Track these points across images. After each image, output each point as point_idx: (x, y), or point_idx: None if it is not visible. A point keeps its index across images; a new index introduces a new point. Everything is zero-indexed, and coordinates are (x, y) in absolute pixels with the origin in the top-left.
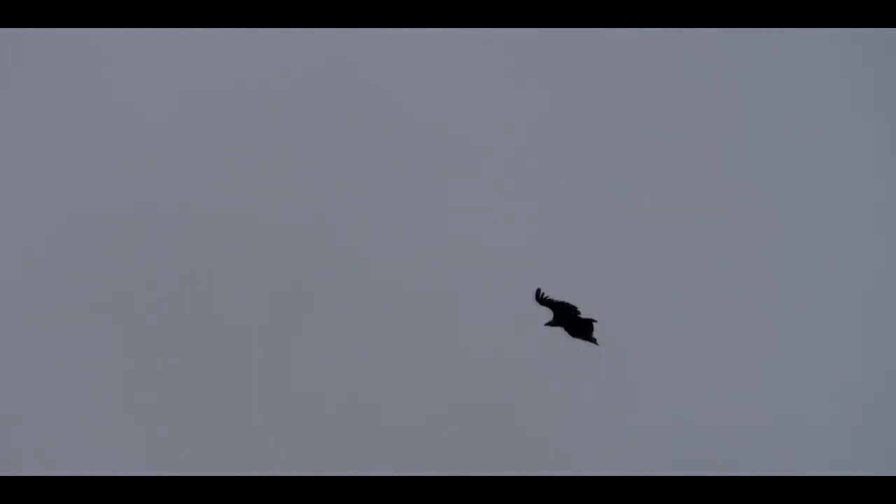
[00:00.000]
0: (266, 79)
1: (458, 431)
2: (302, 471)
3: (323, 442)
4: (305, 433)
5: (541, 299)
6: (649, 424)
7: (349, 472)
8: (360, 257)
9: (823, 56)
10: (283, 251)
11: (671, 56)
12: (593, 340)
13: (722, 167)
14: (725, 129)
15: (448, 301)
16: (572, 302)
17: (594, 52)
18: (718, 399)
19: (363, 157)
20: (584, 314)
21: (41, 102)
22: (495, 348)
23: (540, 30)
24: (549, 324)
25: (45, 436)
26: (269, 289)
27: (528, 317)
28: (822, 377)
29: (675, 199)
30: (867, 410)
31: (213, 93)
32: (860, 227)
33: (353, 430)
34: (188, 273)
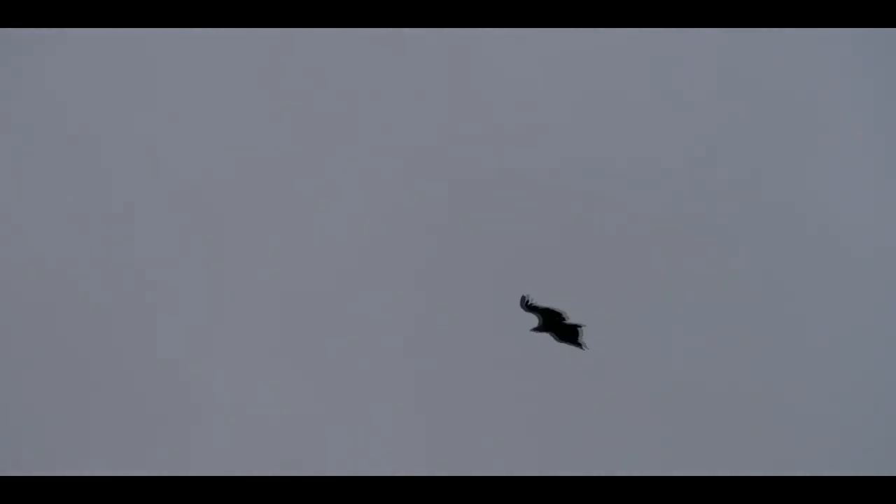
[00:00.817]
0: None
1: None
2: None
3: None
4: None
5: (527, 306)
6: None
7: None
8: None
9: None
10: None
11: None
12: (580, 345)
13: None
14: None
15: None
16: (558, 308)
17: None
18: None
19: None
20: (569, 320)
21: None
22: None
23: None
24: (536, 329)
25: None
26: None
27: (518, 322)
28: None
29: None
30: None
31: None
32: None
33: None
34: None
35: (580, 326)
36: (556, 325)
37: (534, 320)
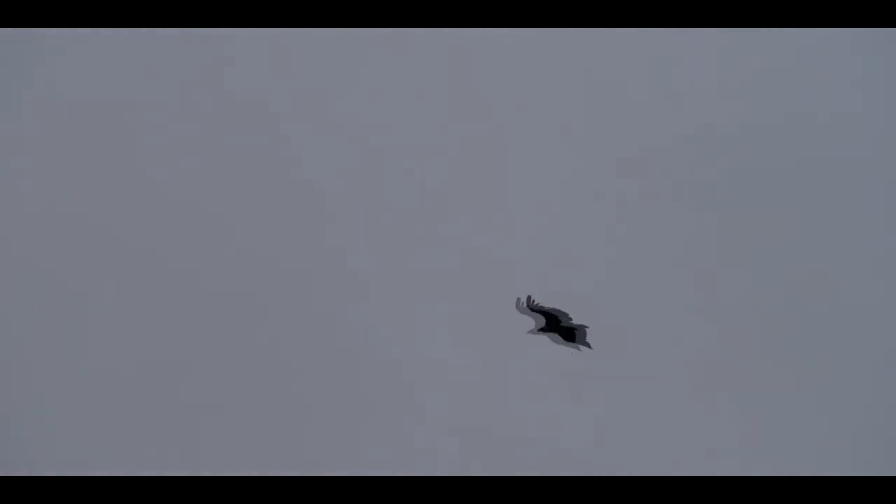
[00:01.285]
0: None
1: None
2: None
3: None
4: None
5: (531, 307)
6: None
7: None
8: None
9: None
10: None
11: None
12: (587, 345)
13: None
14: None
15: None
16: (563, 308)
17: None
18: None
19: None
20: (575, 320)
21: None
22: None
23: None
24: (541, 330)
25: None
26: None
27: (520, 324)
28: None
29: None
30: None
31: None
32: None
33: None
34: None
35: (585, 328)
36: (560, 327)
37: (533, 322)
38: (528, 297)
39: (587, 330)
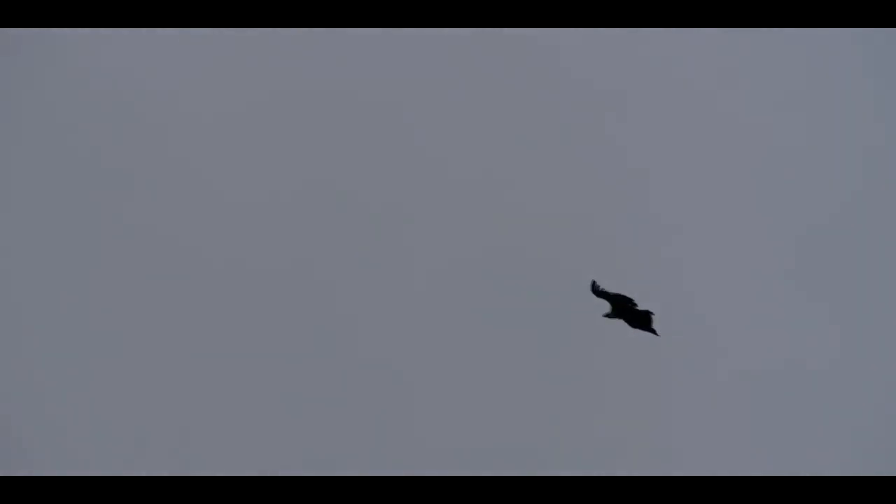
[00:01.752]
0: None
1: None
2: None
3: None
4: None
5: (597, 291)
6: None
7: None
8: None
9: None
10: None
11: None
12: (653, 331)
13: None
14: None
15: None
16: (628, 294)
17: None
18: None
19: None
20: (640, 306)
21: None
22: None
23: None
24: (608, 315)
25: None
26: None
27: (587, 309)
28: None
29: None
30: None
31: None
32: None
33: None
34: None
35: (651, 313)
36: (627, 312)
37: (604, 307)
38: (593, 283)
39: (653, 316)
